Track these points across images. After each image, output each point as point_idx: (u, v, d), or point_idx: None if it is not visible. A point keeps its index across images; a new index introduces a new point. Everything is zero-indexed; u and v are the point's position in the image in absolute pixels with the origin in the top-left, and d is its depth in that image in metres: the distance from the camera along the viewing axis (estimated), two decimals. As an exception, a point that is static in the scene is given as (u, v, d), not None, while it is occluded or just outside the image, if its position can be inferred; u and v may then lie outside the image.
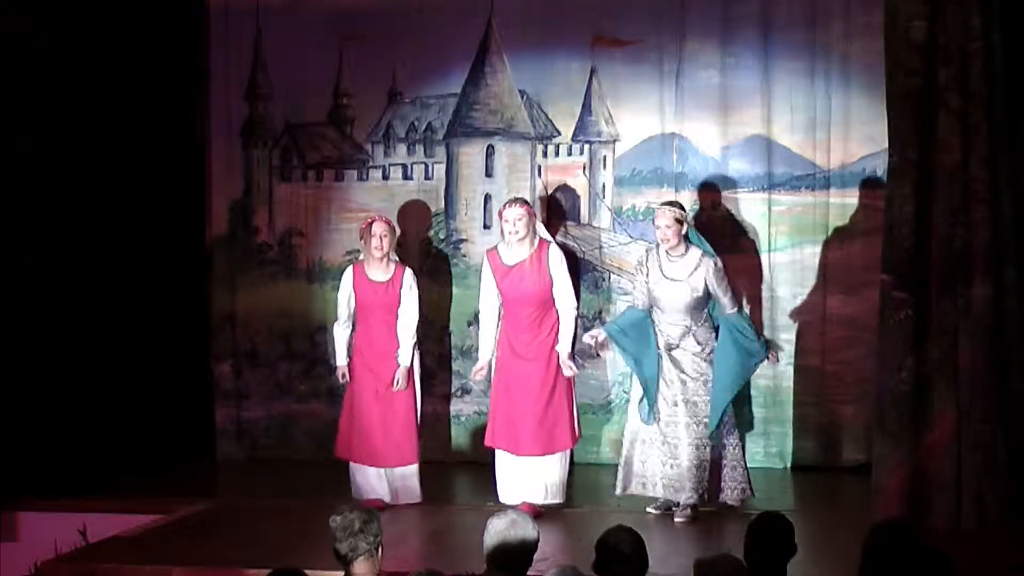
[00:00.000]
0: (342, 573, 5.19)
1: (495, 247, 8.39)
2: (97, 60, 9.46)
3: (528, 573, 5.21)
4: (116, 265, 9.61)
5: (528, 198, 9.70)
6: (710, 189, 9.60)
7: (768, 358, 8.21)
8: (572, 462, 8.63)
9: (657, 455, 8.11)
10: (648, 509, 8.19)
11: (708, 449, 8.06)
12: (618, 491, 8.25)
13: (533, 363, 8.22)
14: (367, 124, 10.14)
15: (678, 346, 8.11)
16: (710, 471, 8.09)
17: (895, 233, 7.66)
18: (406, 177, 10.07)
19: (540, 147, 9.89)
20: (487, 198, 9.88)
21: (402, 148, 10.10)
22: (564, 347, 8.25)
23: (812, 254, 9.49)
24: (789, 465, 9.50)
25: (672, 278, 8.08)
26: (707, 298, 8.11)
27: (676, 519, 8.03)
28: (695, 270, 8.05)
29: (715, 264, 8.08)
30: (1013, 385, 7.58)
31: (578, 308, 8.43)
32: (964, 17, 7.54)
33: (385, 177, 10.11)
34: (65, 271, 9.19)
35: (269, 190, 10.26)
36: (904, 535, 5.07)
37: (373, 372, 8.49)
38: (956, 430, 7.55)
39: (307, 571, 5.07)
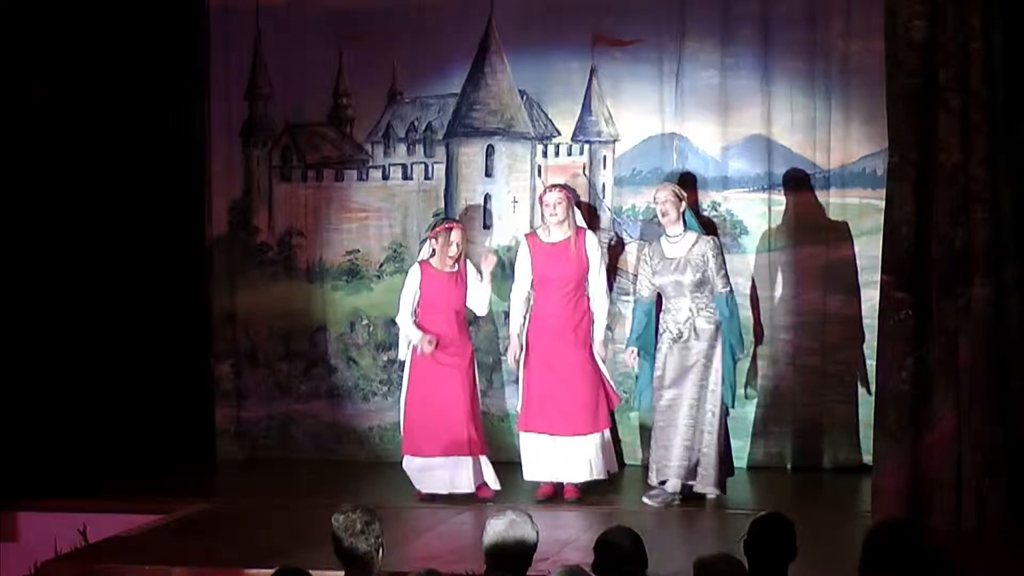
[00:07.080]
0: (342, 573, 5.19)
1: (533, 230, 8.86)
2: (97, 60, 9.46)
3: (528, 573, 5.22)
4: (116, 265, 9.61)
5: (528, 198, 9.72)
6: (710, 189, 9.60)
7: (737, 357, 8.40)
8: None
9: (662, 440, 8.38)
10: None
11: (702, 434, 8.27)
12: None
13: (571, 346, 8.52)
14: (367, 124, 10.13)
15: (684, 337, 8.29)
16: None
17: (895, 233, 7.66)
18: (406, 177, 10.07)
19: (540, 147, 9.88)
20: (487, 198, 9.88)
21: (402, 148, 10.09)
22: (598, 334, 8.58)
23: (812, 254, 9.47)
24: (789, 465, 9.50)
25: (672, 257, 8.34)
26: (708, 279, 8.30)
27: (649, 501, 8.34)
28: (694, 246, 8.33)
29: (714, 241, 8.41)
30: (1013, 385, 7.58)
31: (610, 295, 8.78)
32: (964, 17, 7.53)
33: (385, 177, 10.10)
34: (65, 271, 9.19)
35: (269, 190, 10.25)
36: (904, 535, 5.07)
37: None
38: (956, 430, 7.55)
39: (307, 571, 5.08)
